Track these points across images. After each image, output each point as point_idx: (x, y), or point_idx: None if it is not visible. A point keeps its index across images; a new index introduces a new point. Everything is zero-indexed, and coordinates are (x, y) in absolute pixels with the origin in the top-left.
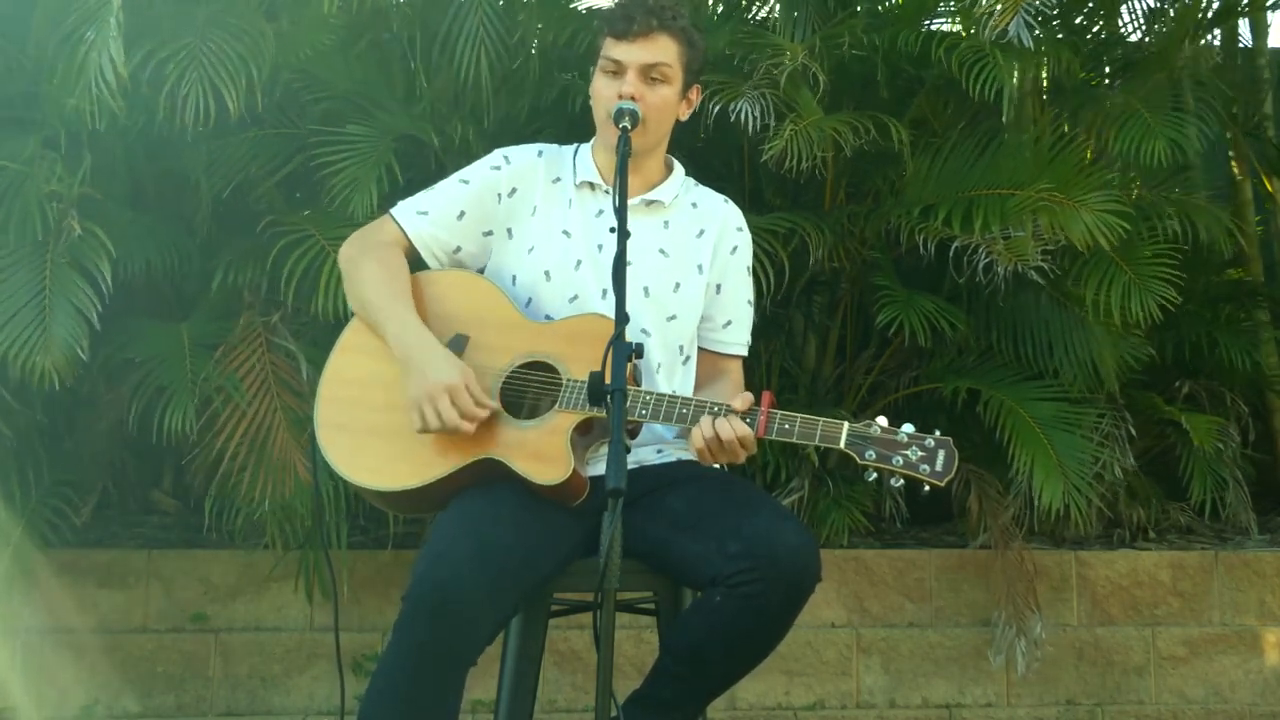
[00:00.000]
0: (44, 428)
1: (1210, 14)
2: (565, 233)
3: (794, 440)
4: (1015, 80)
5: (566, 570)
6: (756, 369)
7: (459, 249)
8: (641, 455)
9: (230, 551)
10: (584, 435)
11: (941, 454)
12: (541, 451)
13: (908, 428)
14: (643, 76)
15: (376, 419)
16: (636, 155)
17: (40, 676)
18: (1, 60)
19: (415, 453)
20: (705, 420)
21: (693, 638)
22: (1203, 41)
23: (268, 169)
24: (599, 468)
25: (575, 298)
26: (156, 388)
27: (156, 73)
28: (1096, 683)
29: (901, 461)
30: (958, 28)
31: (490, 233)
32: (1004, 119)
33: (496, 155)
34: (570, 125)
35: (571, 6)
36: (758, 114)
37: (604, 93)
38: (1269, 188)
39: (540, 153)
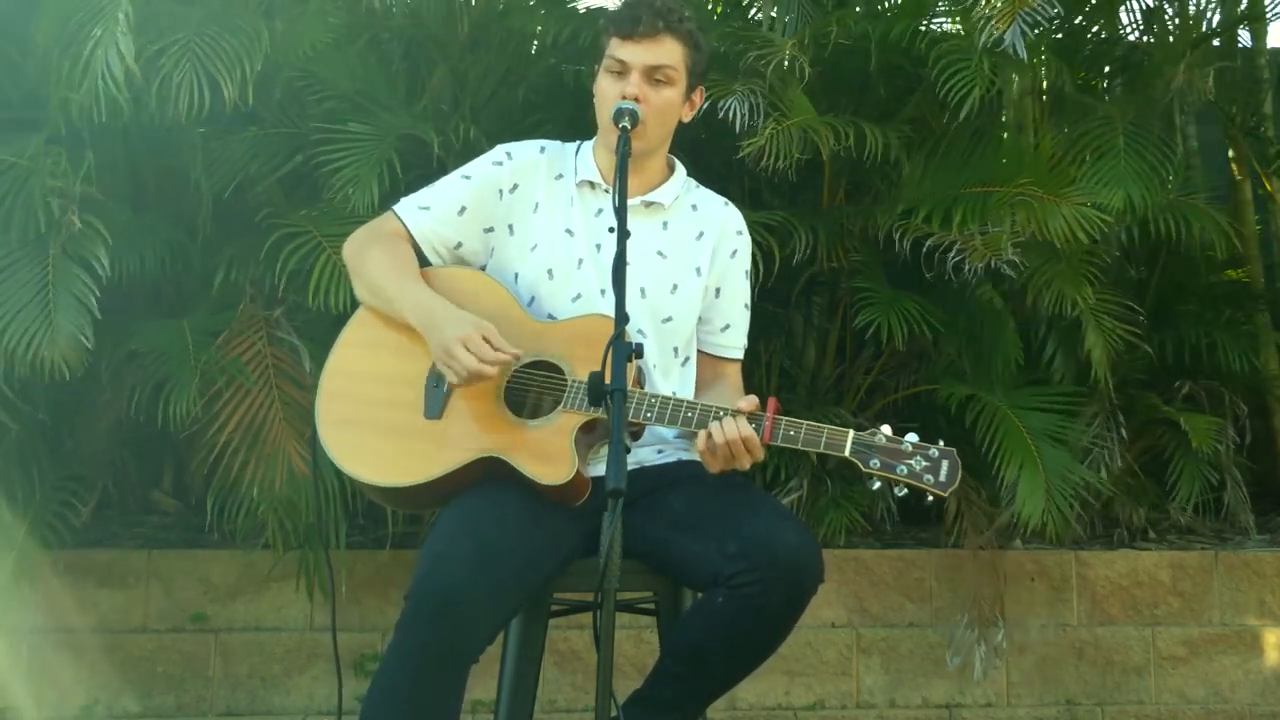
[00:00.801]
0: (46, 427)
1: (1212, 25)
2: (568, 231)
3: (798, 447)
4: (1015, 88)
5: (566, 570)
6: (756, 369)
7: (460, 245)
8: (642, 455)
9: (230, 551)
10: (588, 435)
11: (945, 464)
12: (545, 451)
13: (912, 437)
14: (647, 77)
15: (379, 414)
16: (637, 156)
17: (40, 676)
18: (5, 62)
19: (417, 449)
20: (713, 425)
21: (693, 638)
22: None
23: (269, 168)
24: (599, 468)
25: (578, 297)
26: (158, 379)
27: (149, 66)
28: (1096, 683)
29: (906, 471)
30: (957, 27)
31: (491, 229)
32: (1003, 118)
33: (498, 151)
34: (569, 122)
35: (571, 6)
36: (746, 112)
37: (607, 92)
38: (1268, 188)
39: (543, 149)
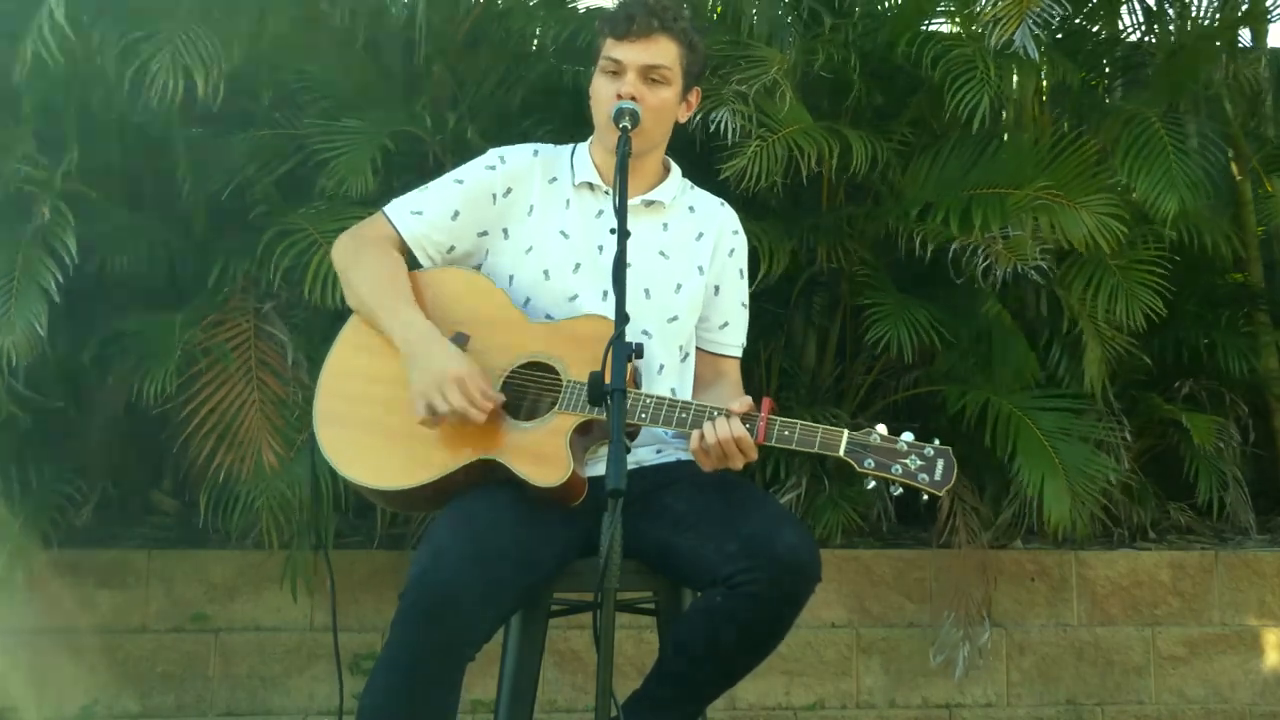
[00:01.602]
0: (46, 427)
1: (1215, 23)
2: (563, 233)
3: (793, 447)
4: (1015, 90)
5: (566, 570)
6: (756, 369)
7: (453, 248)
8: (641, 455)
9: (230, 551)
10: (583, 436)
11: (940, 463)
12: (541, 453)
13: (907, 436)
14: (642, 77)
15: (376, 417)
16: (636, 156)
17: (40, 676)
18: None
19: (414, 452)
20: (706, 425)
21: (693, 638)
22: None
23: (265, 169)
24: (598, 468)
25: (575, 297)
26: (139, 357)
27: (129, 52)
28: (1096, 683)
29: (900, 470)
30: (958, 28)
31: (485, 233)
32: (1004, 118)
33: (491, 155)
34: (568, 122)
35: (570, 7)
36: (737, 125)
37: (604, 93)
38: (1269, 188)
39: (536, 152)
